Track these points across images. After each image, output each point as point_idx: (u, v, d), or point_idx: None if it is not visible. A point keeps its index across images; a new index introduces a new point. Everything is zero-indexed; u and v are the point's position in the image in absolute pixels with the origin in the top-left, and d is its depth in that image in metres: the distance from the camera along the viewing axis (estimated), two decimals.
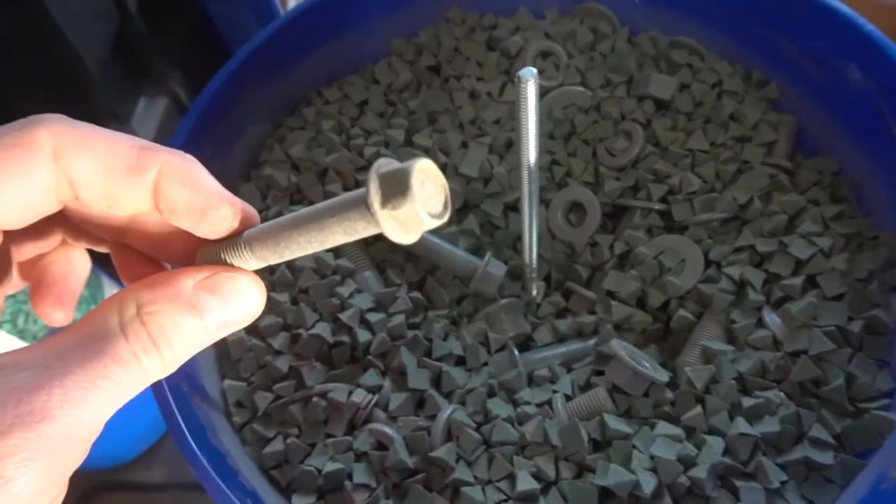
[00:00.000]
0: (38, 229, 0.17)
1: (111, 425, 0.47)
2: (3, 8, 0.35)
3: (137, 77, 0.44)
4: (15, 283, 0.17)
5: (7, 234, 0.16)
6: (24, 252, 0.17)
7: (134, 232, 0.16)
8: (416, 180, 0.12)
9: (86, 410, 0.12)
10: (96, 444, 0.48)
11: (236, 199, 0.15)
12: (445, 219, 0.13)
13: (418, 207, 0.12)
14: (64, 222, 0.17)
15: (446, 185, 0.13)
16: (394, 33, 0.35)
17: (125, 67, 0.42)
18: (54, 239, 0.17)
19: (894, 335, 0.24)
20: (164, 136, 0.46)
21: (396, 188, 0.12)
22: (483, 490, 0.23)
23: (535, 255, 0.28)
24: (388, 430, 0.24)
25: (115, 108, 0.42)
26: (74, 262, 0.18)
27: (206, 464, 0.20)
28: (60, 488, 0.13)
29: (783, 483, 0.22)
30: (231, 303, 0.14)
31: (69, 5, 0.36)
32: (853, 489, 0.21)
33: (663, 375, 0.25)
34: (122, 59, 0.42)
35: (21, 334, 0.34)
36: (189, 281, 0.14)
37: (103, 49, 0.40)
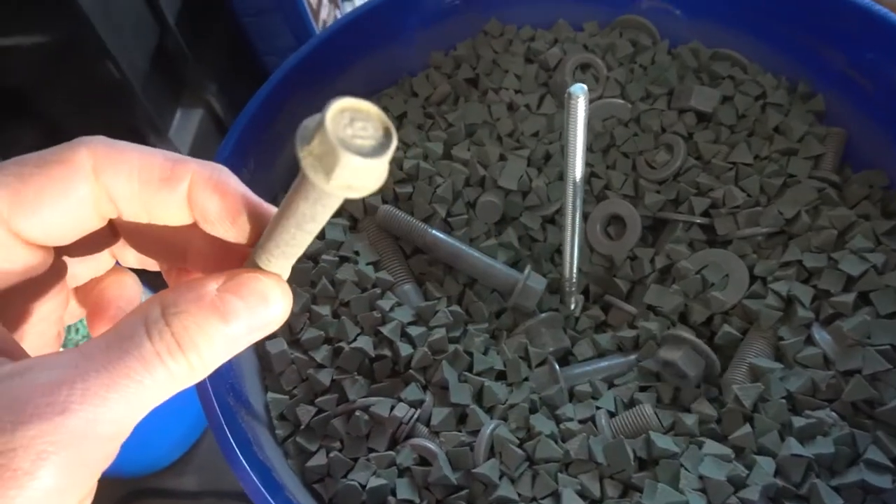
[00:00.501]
0: (88, 250, 0.17)
1: (145, 433, 0.47)
2: (49, 23, 0.35)
3: (175, 89, 0.45)
4: (73, 311, 0.18)
5: (61, 257, 0.16)
6: (78, 276, 0.17)
7: (188, 253, 0.16)
8: (333, 114, 0.11)
9: (107, 408, 0.12)
10: (130, 452, 0.49)
11: (264, 204, 0.15)
12: (382, 159, 0.11)
13: (331, 137, 0.11)
14: (116, 247, 0.17)
15: (387, 123, 0.12)
16: (432, 46, 0.35)
17: (164, 80, 0.43)
18: (106, 262, 0.18)
19: None
20: (200, 147, 0.46)
21: (313, 126, 0.11)
22: None
23: (575, 271, 0.28)
24: (430, 445, 0.24)
25: (154, 119, 0.43)
26: (126, 287, 0.18)
27: (254, 478, 0.20)
28: (87, 490, 0.13)
29: None
30: (255, 304, 0.14)
31: (112, 20, 0.37)
32: None
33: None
34: (161, 71, 0.43)
35: (64, 343, 0.35)
36: (213, 284, 0.14)
37: (143, 62, 0.41)
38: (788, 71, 0.31)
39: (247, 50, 0.52)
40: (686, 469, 0.22)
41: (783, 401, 0.24)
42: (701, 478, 0.22)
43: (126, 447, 0.47)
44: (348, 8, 0.62)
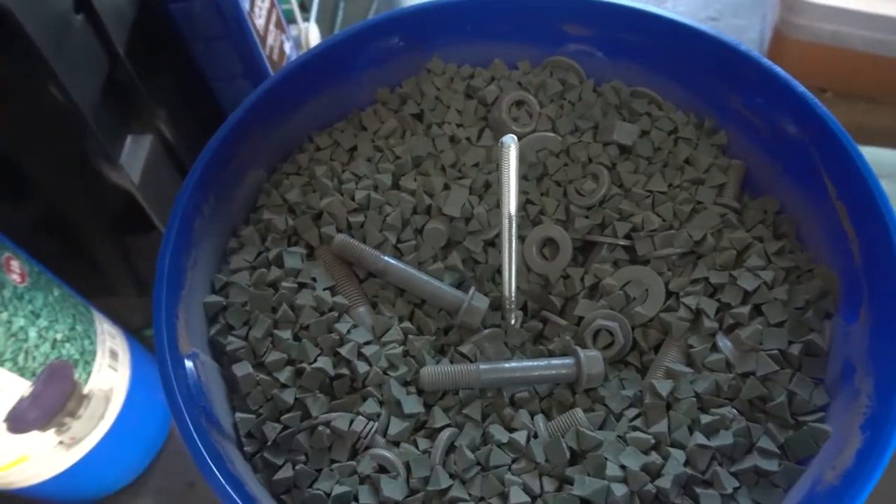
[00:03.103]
0: None
1: (97, 462, 0.48)
2: (3, 54, 0.36)
3: (126, 117, 0.46)
4: None
5: None
6: None
7: None
8: None
9: None
10: (82, 476, 0.49)
11: None
12: None
13: None
14: None
15: None
16: (379, 84, 0.38)
17: (114, 109, 0.44)
18: None
19: (828, 356, 0.28)
20: (152, 172, 0.48)
21: None
22: None
23: (513, 290, 0.31)
24: (388, 454, 0.27)
25: (105, 147, 0.44)
26: None
27: (232, 493, 0.22)
28: None
29: (736, 489, 0.25)
30: None
31: (65, 54, 0.38)
32: (795, 492, 0.25)
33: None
34: (111, 101, 0.44)
35: (21, 371, 0.36)
36: None
37: (94, 93, 0.42)
38: (696, 108, 0.36)
39: (196, 76, 0.54)
40: (610, 460, 0.26)
41: (693, 399, 0.28)
42: (623, 468, 0.26)
43: (72, 477, 0.47)
44: (294, 32, 0.64)
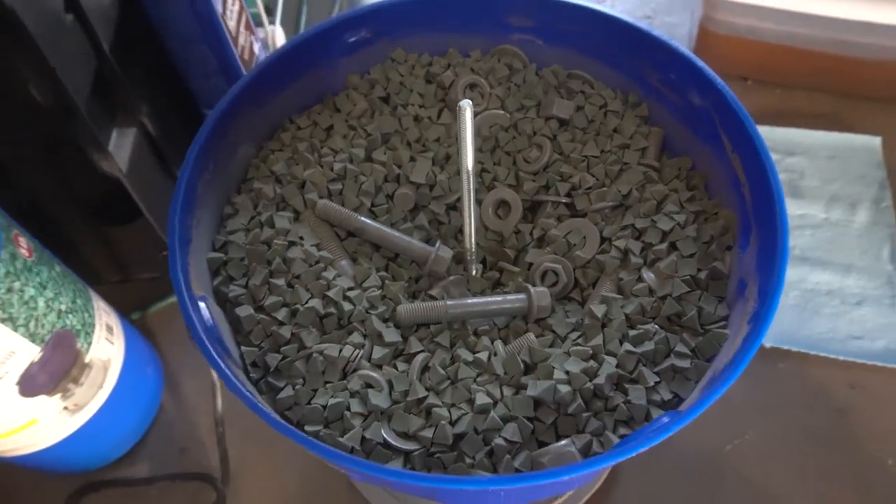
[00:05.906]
0: None
1: (97, 428, 0.52)
2: (3, 50, 0.40)
3: (112, 110, 0.51)
4: None
5: None
6: None
7: None
8: None
9: None
10: (79, 447, 0.54)
11: None
12: None
13: None
14: None
15: None
16: (350, 70, 0.43)
17: (102, 101, 0.49)
18: None
19: (728, 278, 0.34)
20: (136, 162, 0.52)
21: None
22: (449, 410, 0.31)
23: (473, 243, 0.37)
24: (373, 374, 0.32)
25: (96, 136, 0.48)
26: None
27: (252, 398, 0.27)
28: None
29: (657, 383, 0.31)
30: None
31: (59, 48, 0.42)
32: (702, 381, 0.31)
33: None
34: (100, 94, 0.48)
35: (32, 337, 0.40)
36: None
37: (85, 86, 0.47)
38: (622, 86, 0.42)
39: (175, 74, 0.58)
40: (556, 368, 0.32)
41: (623, 319, 0.34)
42: (567, 373, 0.31)
43: (75, 443, 0.52)
44: (261, 34, 0.69)
